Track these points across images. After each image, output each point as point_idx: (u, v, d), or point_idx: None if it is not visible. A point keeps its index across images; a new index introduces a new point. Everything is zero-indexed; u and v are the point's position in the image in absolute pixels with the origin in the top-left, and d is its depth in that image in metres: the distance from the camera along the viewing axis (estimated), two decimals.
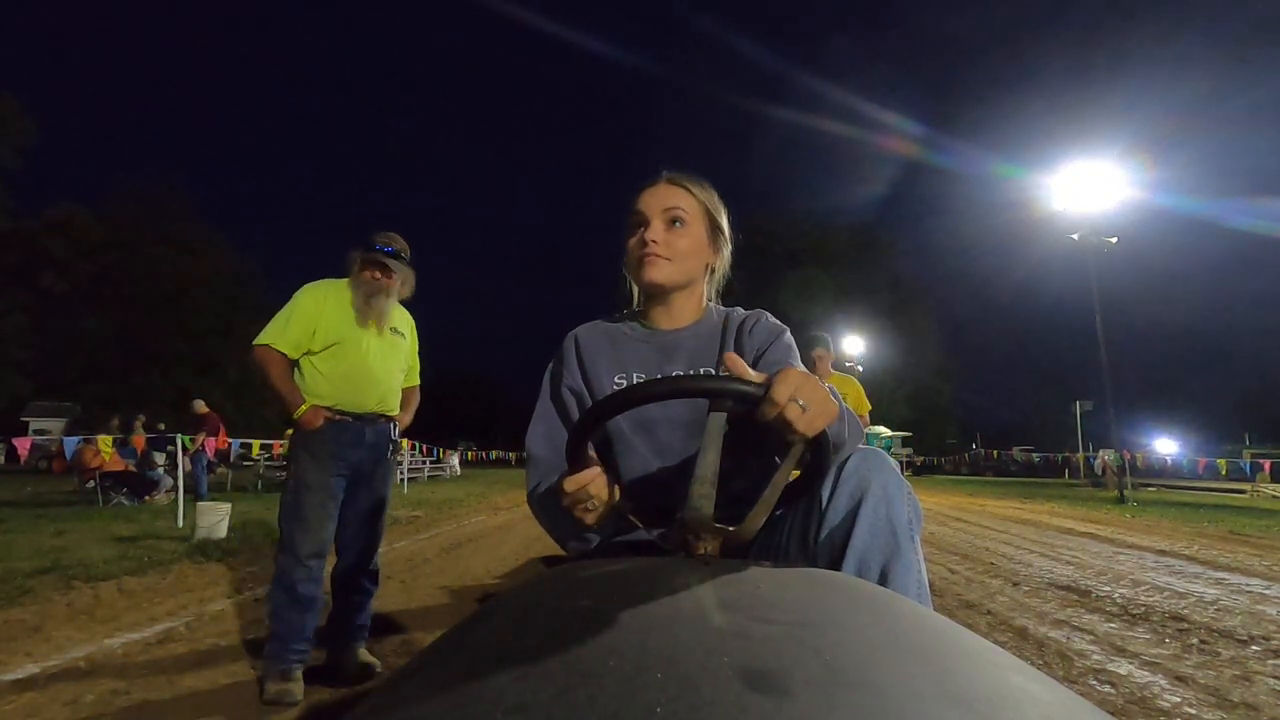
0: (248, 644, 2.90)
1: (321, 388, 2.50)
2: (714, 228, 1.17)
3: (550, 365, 1.21)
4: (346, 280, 2.62)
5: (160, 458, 9.80)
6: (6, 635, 2.97)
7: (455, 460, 22.28)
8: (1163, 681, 2.63)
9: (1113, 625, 3.48)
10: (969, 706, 0.35)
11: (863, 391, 4.67)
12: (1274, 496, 14.24)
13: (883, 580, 0.81)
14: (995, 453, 27.41)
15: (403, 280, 2.66)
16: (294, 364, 2.53)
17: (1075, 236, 15.29)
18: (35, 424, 27.58)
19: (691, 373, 1.12)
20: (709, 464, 0.72)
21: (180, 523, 6.48)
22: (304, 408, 2.45)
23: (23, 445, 5.66)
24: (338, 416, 2.50)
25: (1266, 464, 9.68)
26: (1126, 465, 13.43)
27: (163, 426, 14.61)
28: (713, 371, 1.11)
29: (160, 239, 31.65)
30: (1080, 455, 22.74)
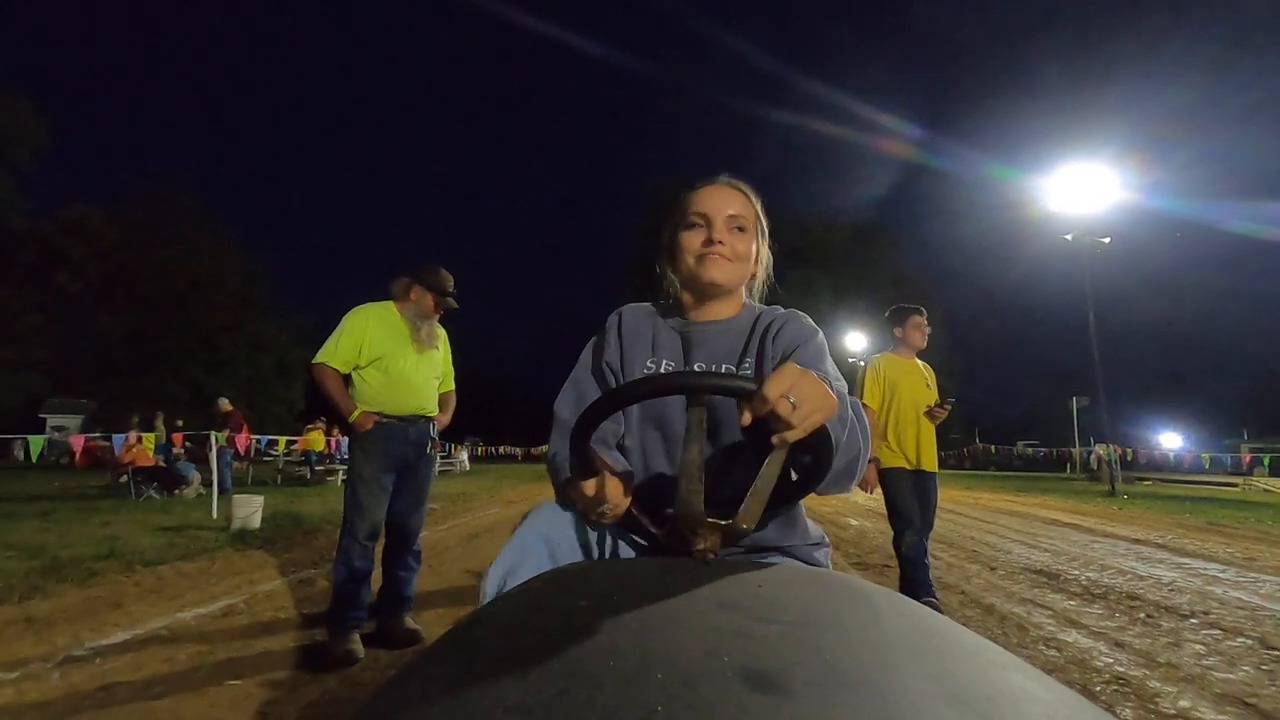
0: (304, 617, 3.31)
1: (370, 395, 2.90)
2: (760, 232, 1.22)
3: (594, 338, 1.24)
4: (388, 302, 3.03)
5: (179, 454, 10.26)
6: (93, 610, 3.39)
7: (465, 455, 22.75)
8: (1102, 647, 3.02)
9: (1071, 603, 3.87)
10: (969, 706, 0.36)
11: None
12: (1265, 490, 14.54)
13: None
14: (993, 448, 27.82)
15: None
16: (347, 377, 2.93)
17: (1069, 237, 15.68)
18: (52, 420, 28.20)
19: (699, 368, 1.12)
20: (693, 459, 0.74)
21: (215, 514, 6.91)
22: (356, 413, 2.85)
23: (76, 442, 6.09)
24: (385, 419, 2.90)
25: (1247, 456, 10.02)
26: (1117, 460, 13.75)
27: (180, 423, 15.11)
28: (733, 369, 1.12)
29: (172, 239, 32.16)
30: (1076, 450, 23.08)
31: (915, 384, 3.60)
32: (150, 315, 30.92)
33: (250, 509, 6.22)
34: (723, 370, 1.11)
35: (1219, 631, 3.26)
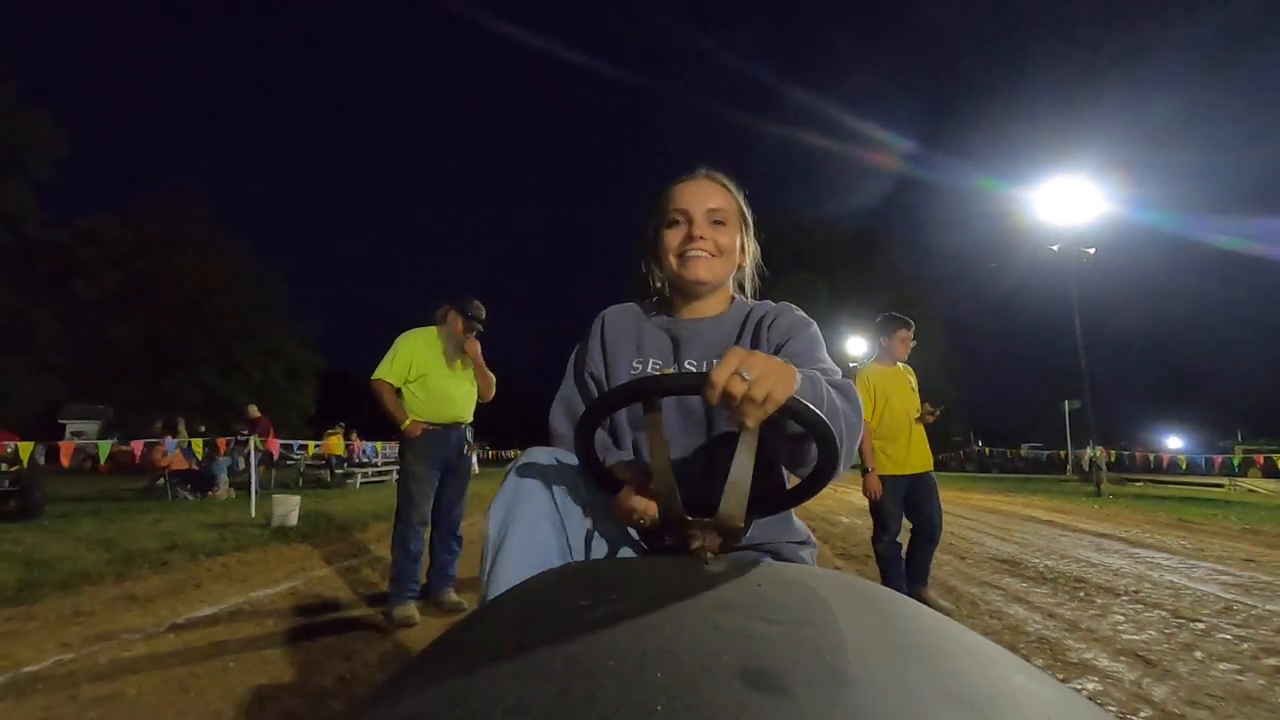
0: (358, 595, 3.89)
1: (417, 407, 3.48)
2: (744, 225, 1.20)
3: (577, 346, 1.23)
4: (432, 328, 3.61)
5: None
6: (179, 590, 3.97)
7: (474, 459, 23.32)
8: (1037, 617, 3.56)
9: (1023, 585, 4.41)
10: (969, 706, 0.36)
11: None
12: (1250, 490, 15.01)
13: None
14: (988, 450, 28.36)
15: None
16: (399, 390, 3.51)
17: (1055, 248, 16.31)
18: (71, 426, 28.94)
19: (689, 366, 1.12)
20: (660, 463, 0.73)
21: (254, 513, 7.49)
22: (407, 422, 3.43)
23: (137, 447, 6.67)
24: (430, 427, 3.47)
25: (1218, 459, 10.49)
26: (1103, 461, 14.26)
27: (202, 428, 15.71)
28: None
29: (185, 246, 32.88)
30: (1064, 452, 23.66)
31: (903, 390, 3.93)
32: (165, 321, 31.63)
33: (288, 508, 6.79)
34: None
35: (1141, 605, 3.80)
